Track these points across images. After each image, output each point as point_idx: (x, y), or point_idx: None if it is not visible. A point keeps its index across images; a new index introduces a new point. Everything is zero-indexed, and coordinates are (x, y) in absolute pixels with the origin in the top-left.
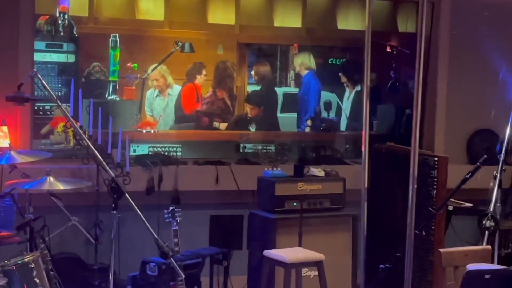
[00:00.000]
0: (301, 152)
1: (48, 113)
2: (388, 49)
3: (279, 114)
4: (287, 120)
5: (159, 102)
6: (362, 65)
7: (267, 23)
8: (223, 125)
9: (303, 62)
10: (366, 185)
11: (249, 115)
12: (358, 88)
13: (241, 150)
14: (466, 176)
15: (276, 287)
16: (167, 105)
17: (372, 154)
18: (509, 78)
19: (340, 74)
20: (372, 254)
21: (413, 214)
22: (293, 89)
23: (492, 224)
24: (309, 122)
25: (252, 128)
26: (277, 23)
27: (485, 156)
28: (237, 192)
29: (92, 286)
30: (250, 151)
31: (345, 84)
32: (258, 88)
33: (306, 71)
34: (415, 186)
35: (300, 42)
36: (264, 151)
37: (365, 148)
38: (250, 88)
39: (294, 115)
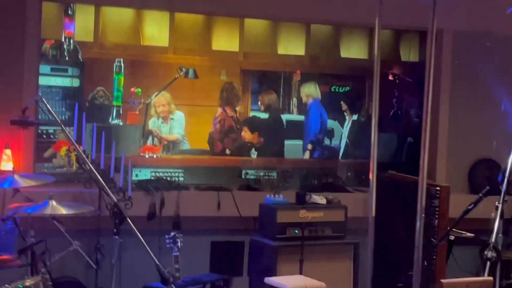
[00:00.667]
0: (303, 179)
1: (52, 136)
2: (391, 78)
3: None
4: (291, 147)
5: (163, 127)
6: (363, 93)
7: (270, 50)
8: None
9: (310, 92)
10: (373, 214)
11: (252, 141)
12: (355, 117)
13: (243, 176)
14: (469, 207)
15: None
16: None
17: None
18: (511, 108)
19: (341, 102)
20: (374, 283)
21: (421, 247)
22: (296, 116)
23: (494, 254)
24: (309, 146)
25: (253, 155)
26: (280, 51)
27: (488, 187)
28: (238, 218)
29: None
30: (252, 177)
31: (345, 112)
32: (263, 115)
33: (312, 100)
34: (423, 216)
35: (304, 70)
36: (266, 177)
37: (373, 176)
38: (253, 114)
39: (298, 142)
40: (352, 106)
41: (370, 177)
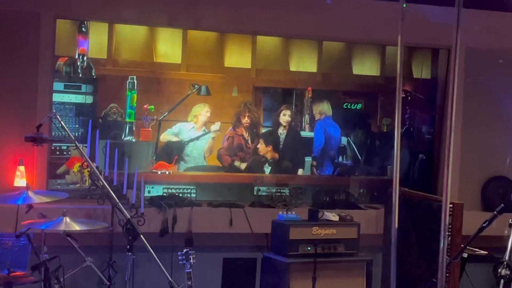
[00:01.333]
0: (316, 196)
1: (65, 153)
2: (403, 95)
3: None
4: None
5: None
6: (375, 110)
7: (283, 67)
8: (243, 165)
9: (322, 109)
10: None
11: (267, 156)
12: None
13: (255, 193)
14: (483, 225)
15: None
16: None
17: (387, 199)
18: None
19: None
20: None
21: (444, 269)
22: (307, 133)
23: (508, 272)
24: (313, 162)
25: (267, 170)
26: (292, 67)
27: (503, 205)
28: (250, 235)
29: None
30: (264, 193)
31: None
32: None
33: (324, 117)
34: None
35: (316, 87)
36: (278, 194)
37: (395, 192)
38: (265, 130)
39: (308, 159)
40: (364, 123)
41: (393, 192)
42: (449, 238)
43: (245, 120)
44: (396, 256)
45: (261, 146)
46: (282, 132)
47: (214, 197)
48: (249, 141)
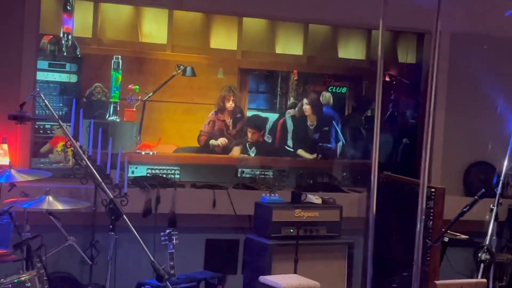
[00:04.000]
0: (299, 178)
1: (48, 132)
2: (387, 79)
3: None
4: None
5: None
6: (360, 94)
7: (268, 50)
8: (222, 140)
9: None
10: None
11: (249, 139)
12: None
13: (239, 175)
14: (464, 209)
15: None
16: None
17: (369, 183)
18: (506, 111)
19: None
20: (366, 283)
21: (420, 249)
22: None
23: (488, 257)
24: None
25: (252, 153)
26: (278, 50)
27: (483, 190)
28: (233, 216)
29: None
30: (248, 176)
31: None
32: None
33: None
34: (423, 217)
35: (301, 70)
36: (262, 176)
37: (373, 176)
38: (250, 113)
39: None
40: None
41: (371, 177)
42: (431, 223)
43: (230, 104)
44: (373, 240)
45: (251, 134)
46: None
47: (197, 178)
48: (231, 126)
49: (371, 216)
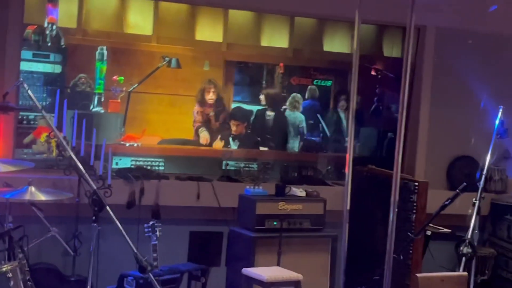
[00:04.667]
0: (284, 171)
1: (32, 122)
2: (373, 73)
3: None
4: None
5: None
6: (345, 87)
7: (254, 42)
8: (205, 134)
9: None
10: (348, 207)
11: (233, 132)
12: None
13: (223, 167)
14: (446, 203)
15: None
16: None
17: (353, 176)
18: (490, 107)
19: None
20: (350, 276)
21: (393, 239)
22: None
23: (470, 250)
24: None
25: (235, 145)
26: (264, 43)
27: (465, 183)
28: (217, 209)
29: None
30: (233, 168)
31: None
32: (247, 106)
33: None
34: (396, 210)
35: (286, 62)
36: (247, 169)
37: (349, 170)
38: (234, 105)
39: None
40: (334, 100)
41: (346, 170)
42: (414, 216)
43: (210, 97)
44: (347, 233)
45: (234, 127)
46: (247, 106)
47: (182, 170)
48: (213, 119)
49: (345, 209)
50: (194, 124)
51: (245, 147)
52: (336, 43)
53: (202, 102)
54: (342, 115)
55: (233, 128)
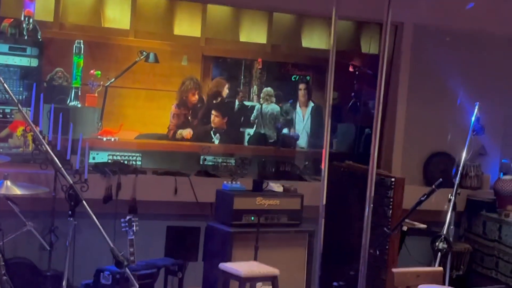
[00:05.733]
0: (261, 167)
1: (8, 116)
2: (351, 69)
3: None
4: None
5: None
6: (323, 83)
7: (232, 37)
8: (186, 132)
9: None
10: (324, 202)
11: (213, 124)
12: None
13: (201, 162)
14: (421, 198)
15: None
16: None
17: (331, 172)
18: (466, 103)
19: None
20: (326, 271)
21: (368, 234)
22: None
23: (445, 246)
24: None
25: (217, 140)
26: (242, 38)
27: (441, 179)
28: (195, 204)
29: None
30: (211, 163)
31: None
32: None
33: None
34: (371, 205)
35: (265, 58)
36: (224, 164)
37: (325, 166)
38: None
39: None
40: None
41: (322, 166)
42: (390, 212)
43: (194, 98)
44: (323, 229)
45: (215, 117)
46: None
47: (159, 165)
48: (191, 117)
49: (321, 205)
50: (170, 126)
51: (227, 143)
52: (315, 39)
53: (184, 102)
54: (298, 109)
55: (213, 119)
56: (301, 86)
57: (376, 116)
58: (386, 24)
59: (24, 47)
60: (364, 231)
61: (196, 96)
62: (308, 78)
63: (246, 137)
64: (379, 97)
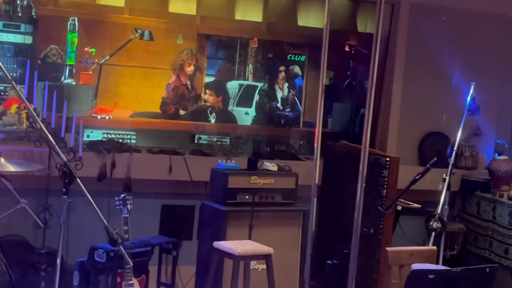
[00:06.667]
0: (256, 145)
1: (2, 93)
2: (347, 48)
3: (234, 108)
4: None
5: None
6: (319, 62)
7: (228, 16)
8: (185, 113)
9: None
10: (317, 181)
11: (207, 103)
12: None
13: (196, 141)
14: (416, 177)
15: (224, 279)
16: None
17: (326, 152)
18: (462, 83)
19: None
20: (321, 250)
21: (360, 211)
22: (252, 83)
23: (439, 225)
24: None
25: (213, 119)
26: (238, 16)
27: (435, 158)
28: (190, 182)
29: (38, 270)
30: (205, 142)
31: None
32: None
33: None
34: (364, 184)
35: (260, 37)
36: (219, 143)
37: (317, 145)
38: (208, 80)
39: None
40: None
41: (315, 145)
42: (385, 191)
43: (190, 69)
44: (316, 207)
45: (210, 97)
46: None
47: (154, 144)
48: (191, 91)
49: (313, 183)
50: (164, 100)
51: (224, 122)
52: (311, 18)
53: (181, 73)
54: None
55: (207, 98)
56: (282, 68)
57: (369, 96)
58: (381, 2)
59: (18, 24)
60: (356, 210)
61: (192, 67)
62: (303, 57)
63: (244, 116)
64: (372, 76)
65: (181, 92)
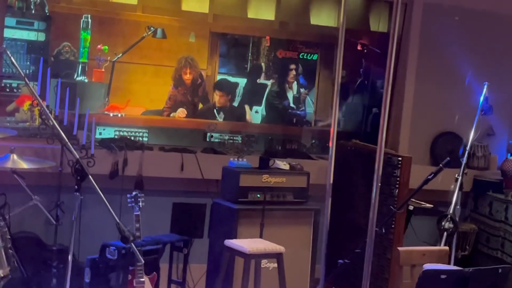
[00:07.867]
0: (268, 144)
1: (15, 90)
2: (359, 47)
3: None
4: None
5: None
6: (331, 61)
7: (240, 14)
8: (180, 112)
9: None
10: (331, 181)
11: (217, 104)
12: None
13: (207, 139)
14: (428, 177)
15: (235, 277)
16: None
17: (337, 151)
18: (475, 83)
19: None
20: (332, 249)
21: (375, 211)
22: (264, 81)
23: (451, 225)
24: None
25: (220, 118)
26: (250, 15)
27: (448, 158)
28: (201, 180)
29: (50, 267)
30: (217, 140)
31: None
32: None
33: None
34: (379, 184)
35: (273, 35)
36: (231, 141)
37: (332, 144)
38: (220, 77)
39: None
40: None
41: (330, 144)
42: (397, 191)
43: (187, 77)
44: (330, 207)
45: (217, 97)
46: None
47: (166, 141)
48: (191, 95)
49: (328, 183)
50: (164, 109)
51: (230, 120)
52: (323, 17)
53: (180, 82)
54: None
55: (216, 99)
56: (292, 66)
57: (385, 96)
58: (397, 2)
59: (32, 21)
60: (371, 209)
61: (189, 76)
62: (316, 56)
63: (254, 115)
64: (388, 76)
65: (180, 100)
